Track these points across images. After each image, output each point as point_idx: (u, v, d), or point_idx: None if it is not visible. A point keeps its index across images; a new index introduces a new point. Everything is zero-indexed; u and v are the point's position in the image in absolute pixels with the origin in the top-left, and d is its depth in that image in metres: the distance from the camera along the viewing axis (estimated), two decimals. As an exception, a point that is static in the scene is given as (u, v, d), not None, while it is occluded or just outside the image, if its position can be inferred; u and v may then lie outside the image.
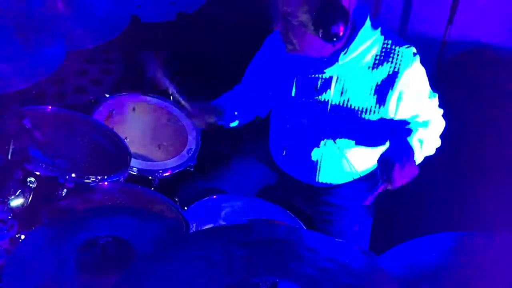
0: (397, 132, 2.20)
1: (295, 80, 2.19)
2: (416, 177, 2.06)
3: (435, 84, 2.22)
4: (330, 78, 2.12)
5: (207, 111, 2.33)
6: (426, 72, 2.15)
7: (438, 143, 2.22)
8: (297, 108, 2.23)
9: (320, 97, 2.16)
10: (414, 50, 2.12)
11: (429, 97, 2.18)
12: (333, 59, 2.09)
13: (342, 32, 1.95)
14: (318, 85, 2.15)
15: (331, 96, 2.14)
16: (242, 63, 2.50)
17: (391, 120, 2.18)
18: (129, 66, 3.00)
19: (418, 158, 2.14)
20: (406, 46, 2.11)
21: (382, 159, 2.04)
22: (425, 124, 2.18)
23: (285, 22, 1.99)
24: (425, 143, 2.14)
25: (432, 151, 2.21)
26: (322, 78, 2.14)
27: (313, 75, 2.15)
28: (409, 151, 2.07)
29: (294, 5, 1.94)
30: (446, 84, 2.85)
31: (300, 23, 1.96)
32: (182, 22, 3.01)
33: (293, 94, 2.20)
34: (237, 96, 2.45)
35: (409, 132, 2.15)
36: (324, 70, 2.11)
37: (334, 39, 1.96)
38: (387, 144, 2.28)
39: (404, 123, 2.18)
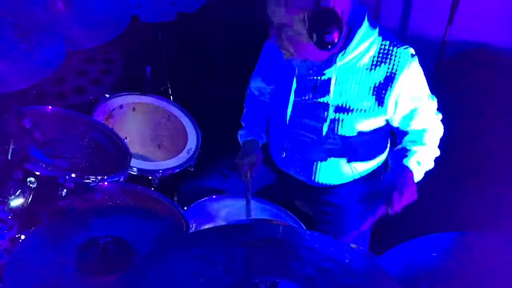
0: (395, 155, 2.23)
1: (294, 81, 2.19)
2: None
3: (435, 84, 2.22)
4: (329, 79, 2.12)
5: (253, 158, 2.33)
6: (426, 72, 2.15)
7: (437, 153, 2.24)
8: (297, 109, 2.23)
9: (319, 98, 2.16)
10: (412, 51, 2.11)
11: (428, 98, 2.18)
12: (331, 61, 2.08)
13: (336, 39, 1.94)
14: (317, 87, 2.15)
15: (331, 97, 2.14)
16: (242, 63, 2.50)
17: (389, 125, 2.21)
18: (129, 66, 3.01)
19: (418, 177, 2.20)
20: (404, 47, 2.11)
21: (381, 187, 2.13)
22: (421, 134, 2.20)
23: (280, 32, 1.99)
24: (423, 164, 2.20)
25: (431, 166, 2.23)
26: (320, 80, 2.14)
27: (311, 77, 2.15)
28: (408, 177, 2.15)
29: (287, 16, 1.93)
30: (446, 84, 2.85)
31: (295, 33, 1.96)
32: (182, 22, 3.01)
33: (292, 95, 2.20)
34: (262, 117, 2.45)
35: (406, 153, 2.19)
36: (323, 72, 2.11)
37: (329, 46, 1.96)
38: (387, 144, 2.28)
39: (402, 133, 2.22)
